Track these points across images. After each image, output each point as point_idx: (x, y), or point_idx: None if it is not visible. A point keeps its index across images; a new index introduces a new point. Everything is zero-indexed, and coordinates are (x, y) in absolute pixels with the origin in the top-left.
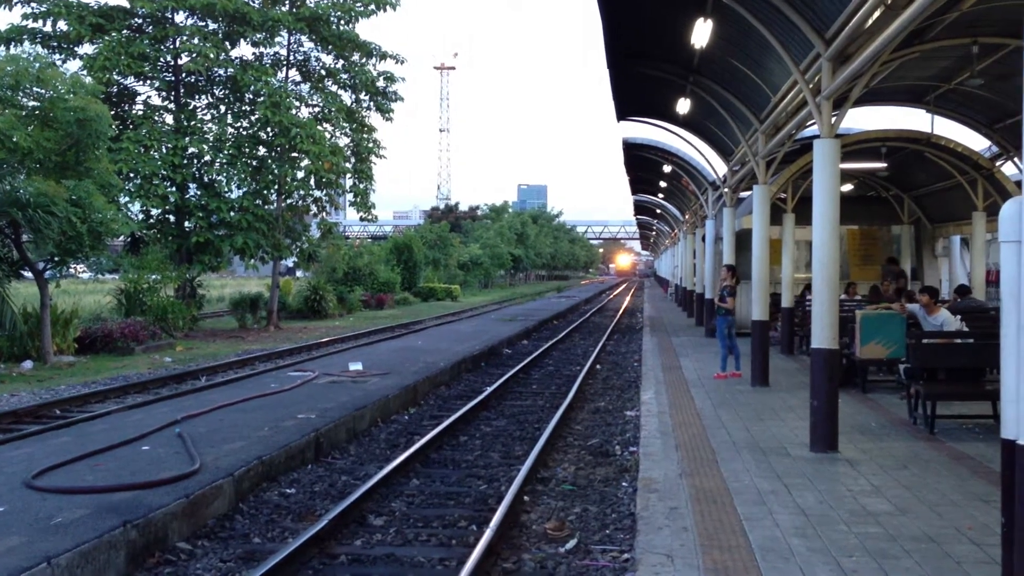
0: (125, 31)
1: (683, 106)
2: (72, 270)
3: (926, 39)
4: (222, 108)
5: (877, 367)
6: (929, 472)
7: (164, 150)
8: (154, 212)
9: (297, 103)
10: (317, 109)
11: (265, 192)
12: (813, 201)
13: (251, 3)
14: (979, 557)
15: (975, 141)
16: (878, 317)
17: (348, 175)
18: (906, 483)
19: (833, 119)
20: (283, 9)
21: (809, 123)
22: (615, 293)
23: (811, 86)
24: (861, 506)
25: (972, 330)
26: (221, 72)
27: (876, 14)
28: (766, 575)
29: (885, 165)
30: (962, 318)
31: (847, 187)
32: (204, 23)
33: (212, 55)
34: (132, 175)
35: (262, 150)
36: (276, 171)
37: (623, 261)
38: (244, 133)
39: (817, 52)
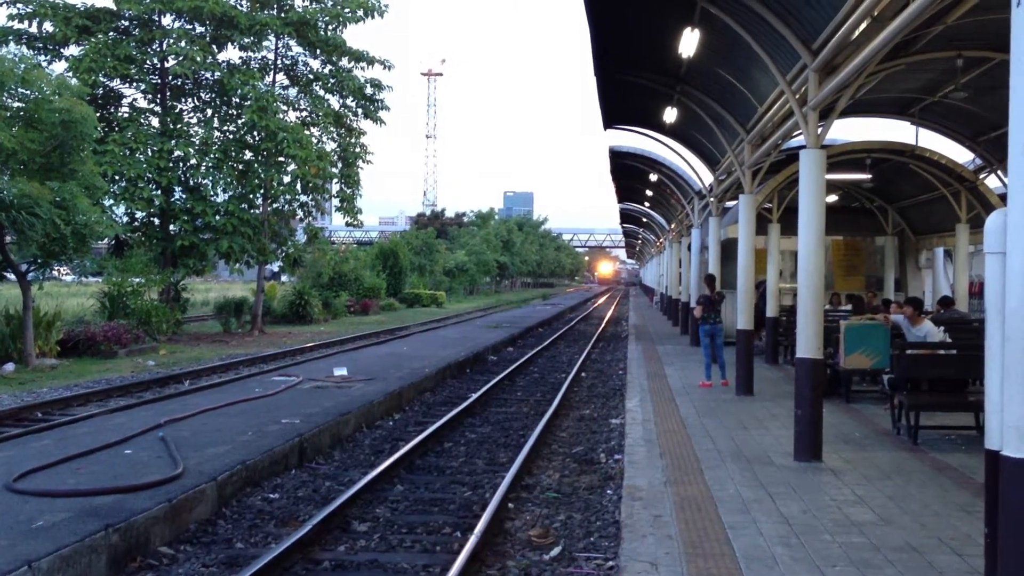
0: (111, 33)
1: (670, 115)
2: (55, 272)
3: (911, 51)
4: (208, 111)
5: (861, 377)
6: (912, 482)
7: (150, 153)
8: (139, 215)
9: (284, 107)
10: (304, 114)
11: (251, 196)
12: (799, 211)
13: (239, 7)
14: (961, 567)
15: (959, 153)
16: (862, 328)
17: (335, 180)
18: (889, 493)
19: (819, 130)
20: (271, 13)
21: (795, 133)
22: (600, 302)
23: (798, 97)
24: (845, 515)
25: (955, 341)
26: (208, 75)
27: (863, 26)
28: None
29: (870, 176)
30: (945, 329)
31: (832, 198)
32: (191, 26)
33: (199, 58)
34: (117, 177)
35: (248, 154)
36: (262, 175)
37: (605, 269)
38: (230, 137)
39: (804, 63)
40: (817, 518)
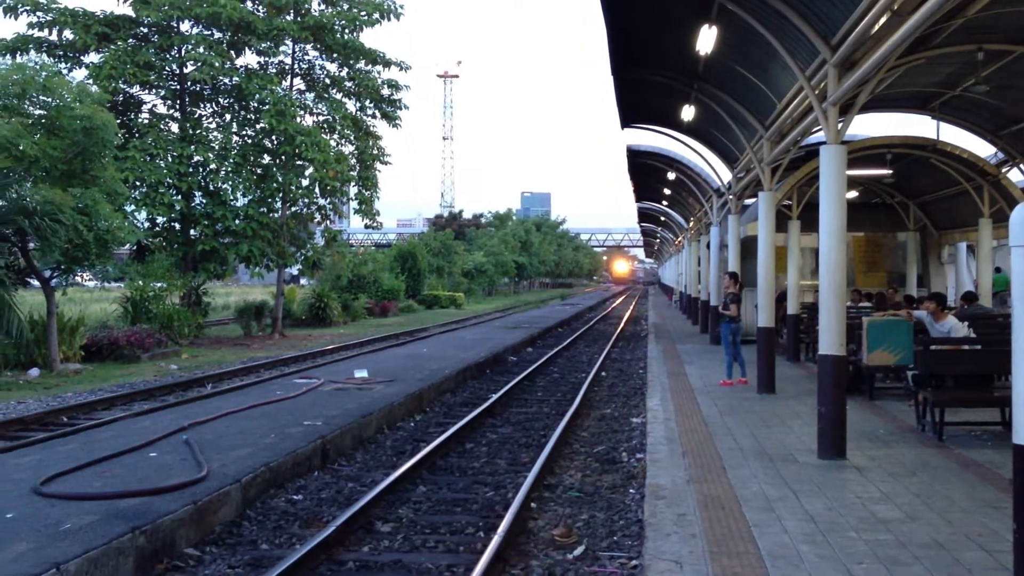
0: (131, 40)
1: (688, 113)
2: (78, 278)
3: (932, 45)
4: (227, 117)
5: (884, 374)
6: (938, 479)
7: (170, 158)
8: (160, 220)
9: (302, 111)
10: (322, 117)
11: (270, 200)
12: (820, 207)
13: (256, 12)
14: (989, 564)
15: (981, 148)
16: (885, 324)
17: (352, 183)
18: (915, 490)
19: (839, 125)
20: (288, 18)
21: (815, 129)
22: (618, 302)
23: (817, 92)
24: (870, 513)
25: (979, 337)
26: (226, 81)
27: (882, 20)
28: None
29: (891, 172)
30: (969, 325)
31: (852, 194)
32: (209, 32)
33: (217, 64)
34: (138, 183)
35: (267, 158)
36: (281, 179)
37: (621, 268)
38: (249, 141)
39: (823, 58)
40: (842, 515)
